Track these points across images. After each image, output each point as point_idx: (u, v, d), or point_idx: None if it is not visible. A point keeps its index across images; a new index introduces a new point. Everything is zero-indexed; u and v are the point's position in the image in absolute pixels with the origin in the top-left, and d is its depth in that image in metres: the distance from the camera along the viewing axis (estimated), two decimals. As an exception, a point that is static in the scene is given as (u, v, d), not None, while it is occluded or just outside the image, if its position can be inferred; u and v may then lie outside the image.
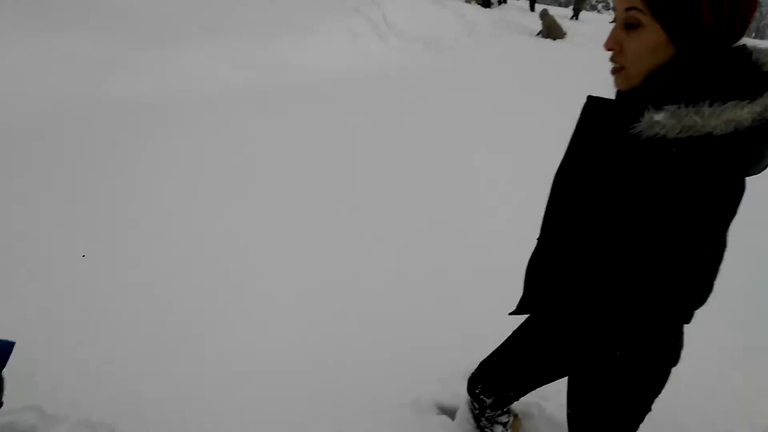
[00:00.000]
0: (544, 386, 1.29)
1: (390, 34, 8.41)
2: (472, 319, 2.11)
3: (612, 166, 0.83)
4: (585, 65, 2.44)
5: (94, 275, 2.28)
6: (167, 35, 5.65)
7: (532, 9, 15.72)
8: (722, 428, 1.80)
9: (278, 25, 6.88)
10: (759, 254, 2.83)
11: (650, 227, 0.82)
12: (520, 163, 3.93)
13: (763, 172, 0.81)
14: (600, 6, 42.81)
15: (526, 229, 1.39)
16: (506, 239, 2.66)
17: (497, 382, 1.33)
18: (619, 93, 0.88)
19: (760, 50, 0.77)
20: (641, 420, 1.07)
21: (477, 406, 1.44)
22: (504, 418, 1.49)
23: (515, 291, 1.16)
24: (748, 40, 0.78)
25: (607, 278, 0.91)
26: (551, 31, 12.01)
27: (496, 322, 1.35)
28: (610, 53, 0.85)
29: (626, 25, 0.81)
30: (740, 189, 0.81)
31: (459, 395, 1.65)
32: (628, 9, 0.79)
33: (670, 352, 0.99)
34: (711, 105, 0.72)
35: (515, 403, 1.44)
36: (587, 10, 19.75)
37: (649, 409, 1.05)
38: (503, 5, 15.71)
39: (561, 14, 14.86)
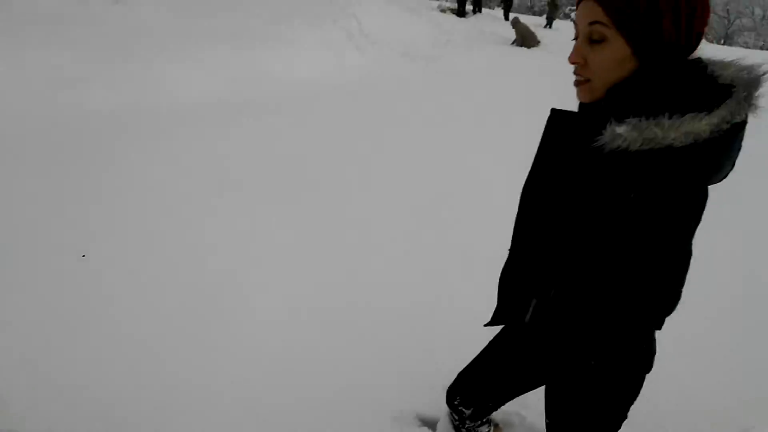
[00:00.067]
0: (523, 395, 1.28)
1: (367, 44, 8.45)
2: (458, 328, 2.09)
3: (577, 179, 0.84)
4: (560, 71, 2.49)
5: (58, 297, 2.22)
6: (142, 48, 5.58)
7: (507, 18, 16.01)
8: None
9: (254, 36, 6.86)
10: (735, 256, 2.90)
11: (617, 238, 0.83)
12: (510, 166, 3.92)
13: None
14: (573, 14, 43.79)
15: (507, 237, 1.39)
16: (490, 243, 2.65)
17: (475, 392, 1.33)
18: (582, 105, 0.89)
19: (715, 63, 0.79)
20: (618, 427, 1.07)
21: (457, 417, 1.43)
22: (484, 429, 1.48)
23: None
24: (709, 47, 0.80)
25: (577, 288, 0.92)
26: (525, 39, 12.24)
27: (487, 331, 1.34)
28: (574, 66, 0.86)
29: (590, 40, 0.82)
30: (703, 198, 0.82)
31: (440, 407, 1.63)
32: (592, 23, 0.81)
33: (643, 359, 1.00)
34: (670, 117, 0.73)
35: (495, 412, 1.44)
36: (560, 19, 20.23)
37: (625, 416, 1.06)
38: (478, 15, 15.96)
39: (534, 23, 15.17)
